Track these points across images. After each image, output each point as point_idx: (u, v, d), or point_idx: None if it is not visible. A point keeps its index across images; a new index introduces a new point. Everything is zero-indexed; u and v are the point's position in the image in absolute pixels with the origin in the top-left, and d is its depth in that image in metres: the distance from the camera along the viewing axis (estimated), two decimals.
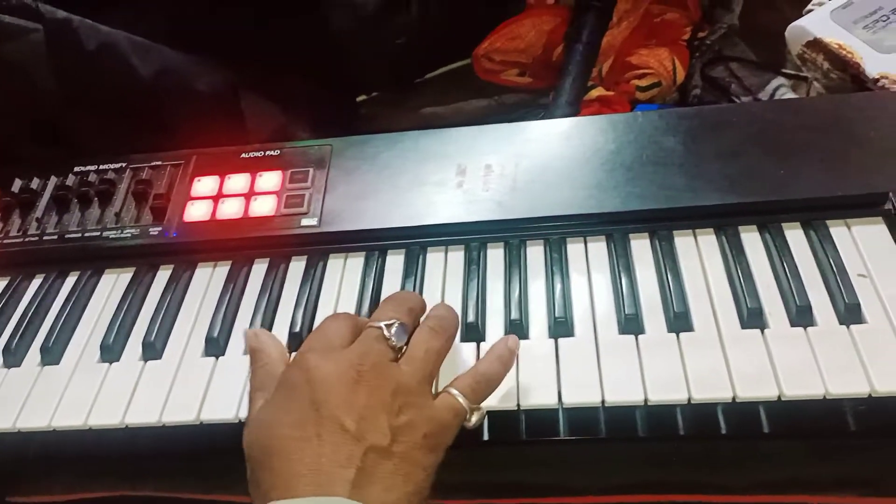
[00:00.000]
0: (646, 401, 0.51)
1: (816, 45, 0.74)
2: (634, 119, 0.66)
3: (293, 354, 0.50)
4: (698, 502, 0.56)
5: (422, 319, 0.51)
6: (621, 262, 0.58)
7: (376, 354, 0.46)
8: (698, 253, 0.59)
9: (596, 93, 0.88)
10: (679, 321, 0.54)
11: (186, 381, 0.57)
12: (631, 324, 0.54)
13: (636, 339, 0.54)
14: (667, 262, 0.58)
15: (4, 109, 0.78)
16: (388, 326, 0.48)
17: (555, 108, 0.87)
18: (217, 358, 0.58)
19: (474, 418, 0.47)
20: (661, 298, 0.56)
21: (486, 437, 0.53)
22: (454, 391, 0.47)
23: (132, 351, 0.59)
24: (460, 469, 0.56)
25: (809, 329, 0.52)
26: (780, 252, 0.57)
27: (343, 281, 0.62)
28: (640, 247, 0.60)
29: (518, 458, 0.56)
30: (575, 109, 0.87)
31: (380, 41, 0.91)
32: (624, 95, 0.88)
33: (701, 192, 0.60)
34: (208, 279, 0.64)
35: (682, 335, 0.53)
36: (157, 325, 0.60)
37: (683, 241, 0.60)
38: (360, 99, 1.00)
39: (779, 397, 0.49)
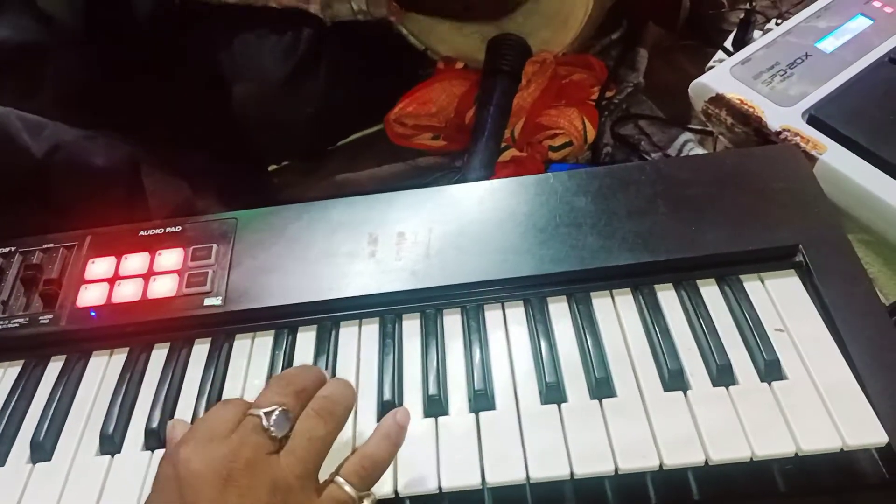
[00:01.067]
0: (572, 474, 0.48)
1: (719, 100, 0.76)
2: (546, 181, 0.66)
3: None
4: None
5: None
6: (540, 327, 0.57)
7: (251, 449, 0.42)
8: (616, 314, 0.58)
9: (510, 154, 0.88)
10: (601, 387, 0.52)
11: (79, 483, 0.52)
12: (553, 392, 0.52)
13: (559, 408, 0.52)
14: (585, 324, 0.56)
15: None
16: (268, 415, 0.43)
17: (469, 170, 0.86)
18: (113, 456, 0.53)
19: None
20: (582, 363, 0.54)
21: None
22: (340, 480, 0.43)
23: (19, 452, 0.54)
24: None
25: (731, 388, 0.51)
26: (696, 309, 0.56)
27: (251, 362, 0.59)
28: (559, 310, 0.59)
29: None
30: (489, 171, 0.86)
31: (289, 110, 0.90)
32: (537, 155, 0.88)
33: (615, 252, 0.59)
34: (103, 369, 0.60)
35: (605, 401, 0.52)
36: (48, 422, 0.55)
37: (601, 303, 0.59)
38: (271, 168, 0.98)
39: (706, 462, 0.48)
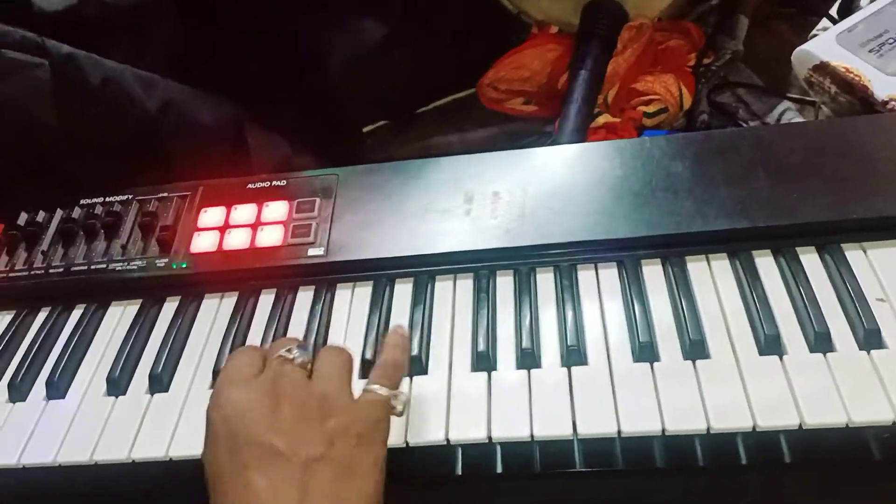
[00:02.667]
0: (663, 431, 0.49)
1: (823, 68, 0.74)
2: (643, 144, 0.66)
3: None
4: None
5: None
6: (633, 288, 0.58)
7: (289, 373, 0.47)
8: (712, 278, 0.58)
9: (602, 119, 0.88)
10: (695, 348, 0.53)
11: (193, 415, 0.56)
12: (645, 351, 0.53)
13: (651, 367, 0.53)
14: (680, 287, 0.57)
15: (5, 146, 0.78)
16: (289, 350, 0.48)
17: (560, 135, 0.87)
18: None
19: (399, 405, 0.48)
20: (676, 325, 0.55)
21: (499, 469, 0.51)
22: (373, 386, 0.47)
23: (138, 384, 0.59)
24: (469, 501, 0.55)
25: (829, 355, 0.51)
26: (795, 277, 0.56)
27: (352, 310, 0.62)
28: (653, 273, 0.59)
29: (532, 492, 0.55)
30: (581, 137, 0.86)
31: (382, 74, 0.91)
32: (630, 122, 0.87)
33: (712, 217, 0.59)
34: (215, 311, 0.64)
35: (699, 363, 0.52)
36: (164, 357, 0.59)
37: (696, 267, 0.59)
38: (365, 129, 1.00)
39: (800, 426, 0.48)
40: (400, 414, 0.48)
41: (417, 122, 0.99)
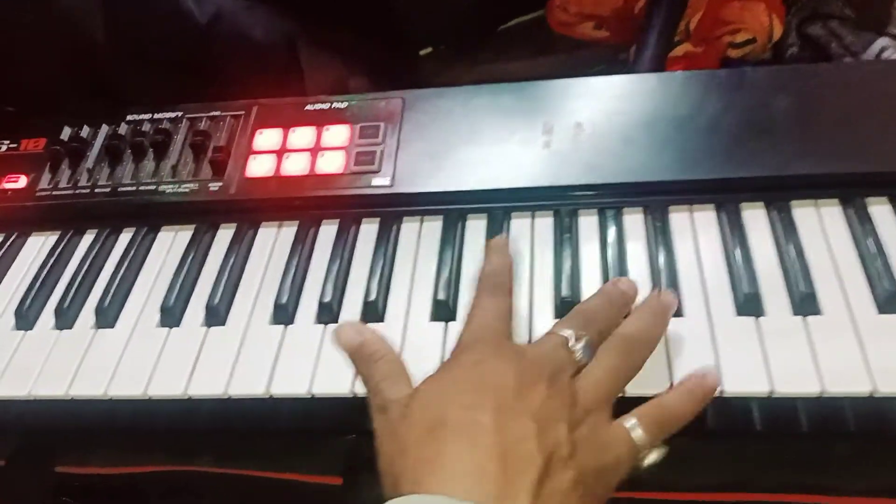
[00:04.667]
0: (771, 393, 0.45)
1: None
2: (740, 76, 0.60)
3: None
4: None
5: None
6: (733, 234, 0.52)
7: (558, 361, 0.41)
8: (821, 226, 0.53)
9: (682, 49, 0.82)
10: (805, 303, 0.48)
11: (253, 351, 0.52)
12: (750, 304, 0.49)
13: (756, 321, 0.48)
14: (787, 235, 0.52)
15: (53, 58, 0.73)
16: (578, 339, 0.42)
17: (636, 65, 0.80)
18: (286, 326, 0.53)
19: (651, 458, 0.41)
20: (783, 276, 0.50)
21: None
22: (631, 423, 0.41)
23: (194, 316, 0.55)
24: None
25: None
26: None
27: (420, 247, 0.57)
28: (754, 217, 0.54)
29: None
30: (659, 68, 0.80)
31: None
32: (713, 53, 0.81)
33: (821, 160, 0.54)
34: (273, 240, 0.59)
35: (809, 318, 0.48)
36: (221, 288, 0.55)
37: (803, 213, 0.54)
38: (423, 52, 0.94)
39: None
40: (644, 469, 0.41)
41: (479, 47, 0.92)
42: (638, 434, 0.40)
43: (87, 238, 0.62)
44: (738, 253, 0.51)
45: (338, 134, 0.62)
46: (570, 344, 0.42)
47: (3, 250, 0.62)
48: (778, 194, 0.54)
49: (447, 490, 0.34)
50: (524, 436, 0.37)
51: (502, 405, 0.38)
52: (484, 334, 0.43)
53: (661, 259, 0.52)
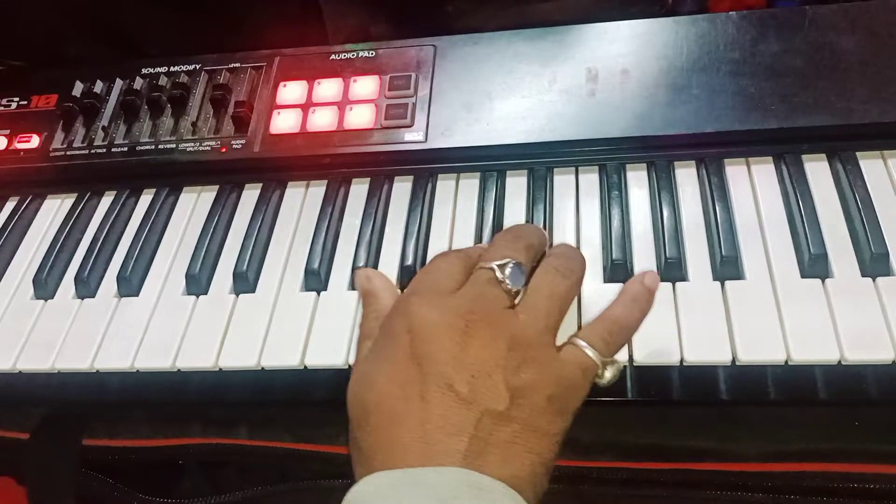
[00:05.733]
0: (841, 359, 0.42)
1: None
2: (802, 14, 0.56)
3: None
4: (872, 473, 0.48)
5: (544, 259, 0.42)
6: (798, 189, 0.49)
7: (488, 301, 0.38)
8: (891, 179, 0.49)
9: None
10: (876, 263, 0.45)
11: (285, 320, 0.49)
12: (817, 265, 0.45)
13: (823, 283, 0.45)
14: (855, 189, 0.48)
15: (61, 4, 0.69)
16: (502, 267, 0.39)
17: (677, 6, 0.75)
18: (318, 293, 0.50)
19: (608, 374, 0.39)
20: (851, 234, 0.47)
21: (631, 395, 0.45)
22: (581, 343, 0.39)
23: (221, 283, 0.52)
24: (602, 429, 0.49)
25: None
26: None
27: (457, 206, 0.54)
28: (817, 169, 0.50)
29: (668, 419, 0.49)
30: (701, 9, 0.75)
31: None
32: None
33: (892, 106, 0.50)
34: (301, 200, 0.56)
35: (880, 280, 0.44)
36: (249, 252, 0.52)
37: (871, 165, 0.50)
38: None
39: None
40: (605, 385, 0.39)
41: None
42: (592, 353, 0.38)
43: (106, 200, 0.59)
44: (801, 210, 0.48)
45: (366, 86, 0.59)
46: (497, 276, 0.39)
47: (18, 214, 0.59)
48: (843, 144, 0.51)
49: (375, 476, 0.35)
50: (452, 405, 0.35)
51: (428, 373, 0.36)
52: (421, 289, 0.40)
53: (719, 217, 0.49)
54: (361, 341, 0.42)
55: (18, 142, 0.62)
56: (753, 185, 0.51)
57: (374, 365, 0.39)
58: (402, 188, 0.55)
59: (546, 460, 0.36)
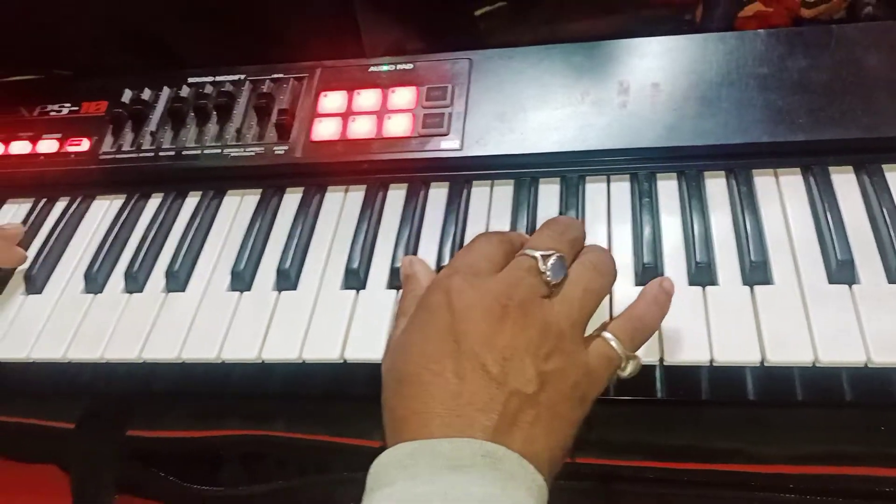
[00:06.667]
0: (868, 361, 0.43)
1: None
2: (828, 33, 0.57)
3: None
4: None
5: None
6: (825, 199, 0.50)
7: (527, 288, 0.39)
8: None
9: (752, 9, 0.78)
10: None
11: (325, 316, 0.51)
12: (844, 271, 0.47)
13: (850, 289, 0.46)
14: (881, 199, 0.49)
15: (107, 15, 0.73)
16: (545, 258, 0.40)
17: (704, 25, 0.77)
18: (357, 291, 0.52)
19: (629, 368, 0.41)
20: (877, 242, 0.48)
21: (659, 395, 0.46)
22: (609, 336, 0.40)
23: (264, 280, 0.54)
24: (633, 429, 0.50)
25: None
26: None
27: (491, 212, 0.56)
28: (844, 181, 0.52)
29: (698, 420, 0.50)
30: (728, 28, 0.77)
31: None
32: (785, 12, 0.77)
33: None
34: (341, 204, 0.58)
35: None
36: (291, 252, 0.54)
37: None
38: (479, 12, 0.92)
39: None
40: (625, 378, 0.41)
41: (536, 5, 0.90)
42: (618, 346, 0.40)
43: (153, 201, 0.62)
44: (828, 218, 0.49)
45: (404, 96, 0.61)
46: (539, 266, 0.40)
47: (68, 214, 0.62)
48: (869, 157, 0.52)
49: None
50: (484, 382, 0.36)
51: (463, 351, 0.37)
52: (461, 268, 0.41)
53: (748, 225, 0.50)
54: (399, 318, 0.43)
55: (69, 145, 0.65)
56: (781, 194, 0.52)
57: (411, 336, 0.39)
58: (438, 194, 0.57)
59: (563, 444, 0.38)
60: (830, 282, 0.47)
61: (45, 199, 0.64)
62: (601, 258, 0.43)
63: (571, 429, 0.38)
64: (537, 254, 0.40)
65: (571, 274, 0.41)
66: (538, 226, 0.53)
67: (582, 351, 0.39)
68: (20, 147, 0.65)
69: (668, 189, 0.54)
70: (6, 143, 0.66)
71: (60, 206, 0.63)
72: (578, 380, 0.38)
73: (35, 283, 0.57)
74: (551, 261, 0.40)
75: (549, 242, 0.42)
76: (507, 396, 0.36)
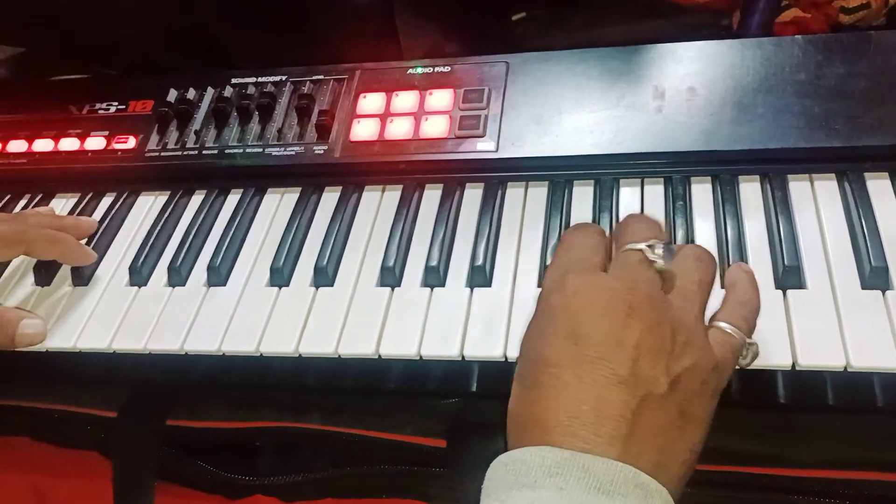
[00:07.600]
0: None
1: None
2: (868, 39, 0.57)
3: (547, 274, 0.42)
4: None
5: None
6: (860, 205, 0.50)
7: (647, 284, 0.38)
8: None
9: (790, 15, 0.78)
10: None
11: (361, 312, 0.52)
12: (877, 277, 0.47)
13: (883, 295, 0.46)
14: None
15: (153, 16, 0.75)
16: (652, 248, 0.39)
17: (742, 31, 0.77)
18: (393, 289, 0.53)
19: (749, 357, 0.40)
20: None
21: None
22: (725, 325, 0.39)
23: (302, 276, 0.56)
24: None
25: None
26: None
27: (525, 213, 0.57)
28: (880, 187, 0.52)
29: (729, 424, 0.50)
30: (766, 34, 0.77)
31: None
32: (823, 18, 0.77)
33: None
34: (377, 203, 0.60)
35: None
36: (329, 249, 0.56)
37: None
38: (516, 17, 0.93)
39: None
40: (746, 366, 0.41)
41: (574, 11, 0.90)
42: (738, 334, 0.39)
43: (196, 198, 0.64)
44: (863, 224, 0.49)
45: (441, 98, 0.62)
46: (649, 256, 0.39)
47: (114, 209, 0.64)
48: None
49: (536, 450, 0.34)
50: (611, 387, 0.35)
51: (585, 354, 0.36)
52: (572, 266, 0.40)
53: (782, 229, 0.50)
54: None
55: (116, 142, 0.67)
56: (816, 199, 0.52)
57: (534, 338, 0.38)
58: (473, 194, 0.58)
59: (695, 448, 0.36)
60: (863, 287, 0.47)
61: (91, 194, 0.66)
62: (700, 249, 0.42)
63: (704, 429, 0.37)
64: (641, 245, 0.40)
65: (680, 267, 0.41)
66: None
67: (708, 345, 0.38)
68: (69, 143, 0.67)
69: (702, 193, 0.54)
70: (56, 139, 0.68)
71: (107, 201, 0.65)
72: (707, 376, 0.37)
73: (82, 276, 0.59)
74: (659, 249, 0.40)
75: (646, 233, 0.41)
76: (637, 401, 0.35)
